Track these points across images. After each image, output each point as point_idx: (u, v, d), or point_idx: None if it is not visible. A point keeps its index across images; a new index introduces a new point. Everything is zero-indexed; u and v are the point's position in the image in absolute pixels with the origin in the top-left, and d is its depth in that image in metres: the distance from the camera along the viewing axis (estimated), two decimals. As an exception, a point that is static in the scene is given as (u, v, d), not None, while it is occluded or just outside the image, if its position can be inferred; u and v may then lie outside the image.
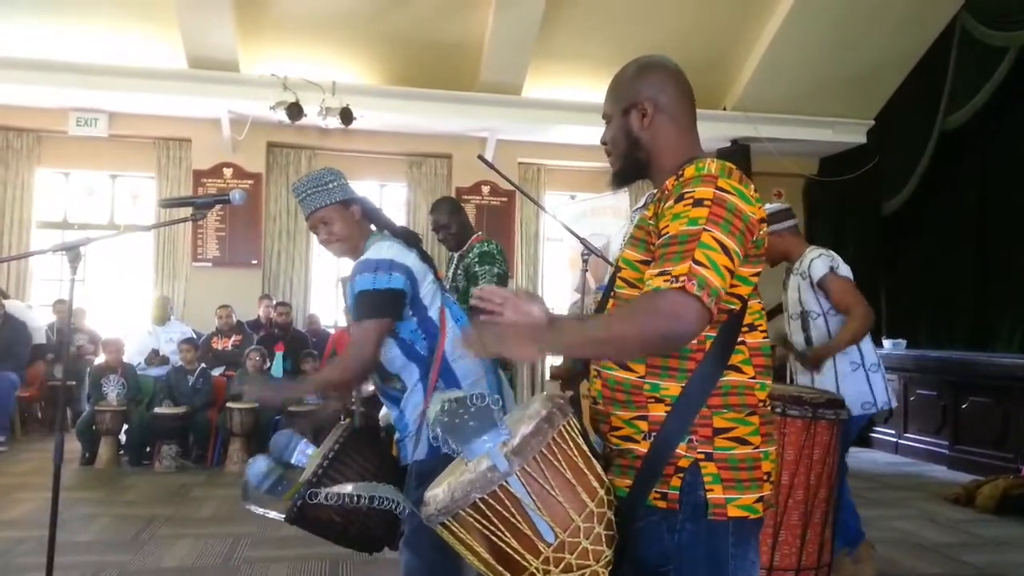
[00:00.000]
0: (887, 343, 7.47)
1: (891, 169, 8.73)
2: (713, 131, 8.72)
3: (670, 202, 1.42)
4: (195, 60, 7.69)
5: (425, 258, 2.36)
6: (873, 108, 9.00)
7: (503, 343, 1.37)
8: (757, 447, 1.43)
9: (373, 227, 2.44)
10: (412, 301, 2.23)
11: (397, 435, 2.40)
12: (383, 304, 2.17)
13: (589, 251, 3.96)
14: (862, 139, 9.15)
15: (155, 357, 7.01)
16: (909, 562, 4.04)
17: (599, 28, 8.03)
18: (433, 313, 2.27)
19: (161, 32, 7.56)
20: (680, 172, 1.45)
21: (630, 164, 1.60)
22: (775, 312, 3.64)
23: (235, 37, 7.59)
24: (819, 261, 3.50)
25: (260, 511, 2.15)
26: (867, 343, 3.57)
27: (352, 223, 2.33)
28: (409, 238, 2.39)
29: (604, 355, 1.46)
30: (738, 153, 8.83)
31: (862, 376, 3.50)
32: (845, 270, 3.51)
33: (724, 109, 8.83)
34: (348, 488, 1.77)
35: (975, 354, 6.94)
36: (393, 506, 1.63)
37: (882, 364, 3.61)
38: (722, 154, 9.01)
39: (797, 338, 3.66)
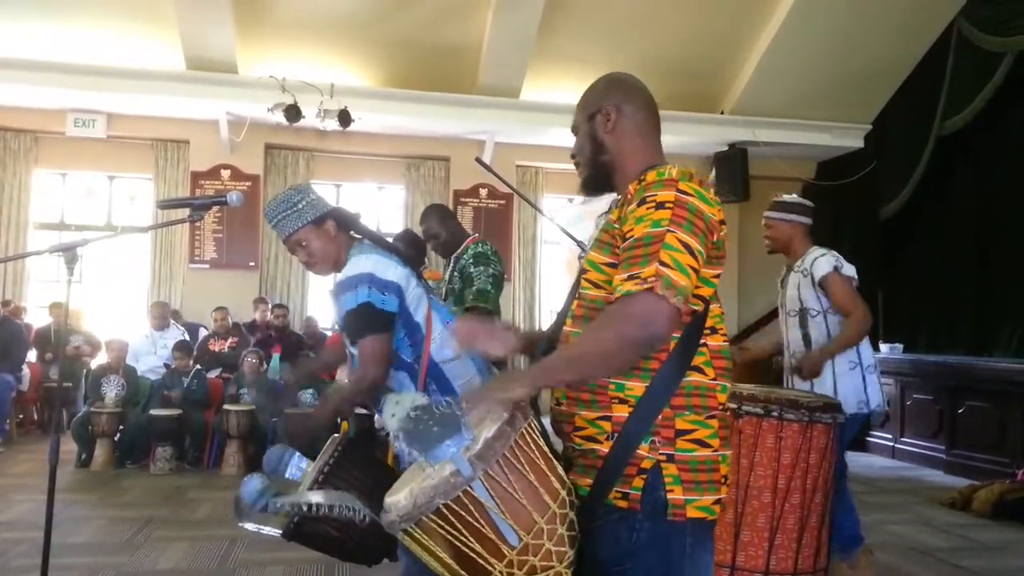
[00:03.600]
0: (884, 347, 7.48)
1: (888, 173, 8.74)
2: (711, 135, 8.74)
3: (633, 206, 1.46)
4: (193, 61, 7.69)
5: (408, 262, 2.30)
6: (871, 112, 9.01)
7: (495, 397, 1.36)
8: (716, 450, 1.46)
9: (357, 235, 2.38)
10: (400, 310, 2.19)
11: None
12: (373, 321, 2.13)
13: (586, 254, 3.95)
14: (860, 143, 9.16)
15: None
16: (905, 566, 4.05)
17: (597, 32, 8.04)
18: (419, 318, 2.23)
19: (160, 33, 7.57)
20: (642, 177, 1.51)
21: (596, 169, 1.65)
22: (769, 318, 3.66)
23: (234, 39, 7.59)
24: (823, 260, 3.53)
25: (254, 527, 2.15)
26: (865, 345, 3.58)
27: (329, 239, 2.29)
28: (388, 244, 2.34)
29: (589, 373, 1.43)
30: (736, 157, 8.85)
31: (859, 375, 3.52)
32: (849, 270, 3.53)
33: (722, 113, 8.84)
34: (312, 498, 1.80)
35: (972, 359, 6.95)
36: (352, 514, 1.64)
37: (878, 367, 3.63)
38: (720, 158, 9.03)
39: (794, 334, 3.67)
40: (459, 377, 2.24)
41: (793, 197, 3.79)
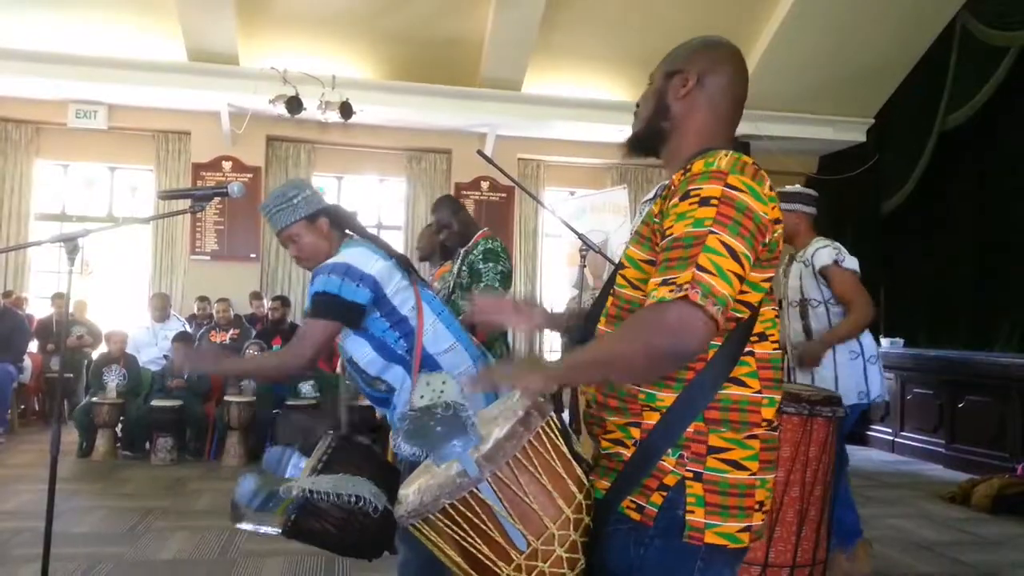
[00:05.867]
0: (885, 341, 7.48)
1: (890, 168, 8.74)
2: (713, 128, 8.71)
3: (675, 200, 1.31)
4: (195, 53, 7.68)
5: (394, 255, 2.31)
6: (873, 107, 9.00)
7: (511, 379, 1.32)
8: (754, 473, 1.32)
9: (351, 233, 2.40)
10: (377, 303, 2.20)
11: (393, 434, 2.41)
12: (332, 308, 2.15)
13: (588, 247, 3.95)
14: (862, 138, 9.16)
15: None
16: (905, 560, 4.06)
17: (599, 25, 8.02)
18: (406, 312, 2.23)
19: (161, 25, 7.55)
20: (688, 166, 1.35)
21: (648, 131, 1.51)
22: None
23: (235, 30, 7.58)
24: (824, 251, 3.54)
25: (251, 527, 2.16)
26: (867, 336, 3.60)
27: (320, 236, 2.31)
28: (380, 241, 2.36)
29: (613, 377, 1.34)
30: (738, 151, 8.81)
31: (860, 366, 3.52)
32: (851, 263, 3.53)
33: (724, 106, 8.82)
34: (327, 484, 1.79)
35: (972, 353, 6.95)
36: (359, 503, 1.64)
37: (880, 358, 3.64)
38: (722, 151, 9.01)
39: (795, 326, 3.68)
40: (454, 367, 2.24)
41: (797, 187, 3.80)
